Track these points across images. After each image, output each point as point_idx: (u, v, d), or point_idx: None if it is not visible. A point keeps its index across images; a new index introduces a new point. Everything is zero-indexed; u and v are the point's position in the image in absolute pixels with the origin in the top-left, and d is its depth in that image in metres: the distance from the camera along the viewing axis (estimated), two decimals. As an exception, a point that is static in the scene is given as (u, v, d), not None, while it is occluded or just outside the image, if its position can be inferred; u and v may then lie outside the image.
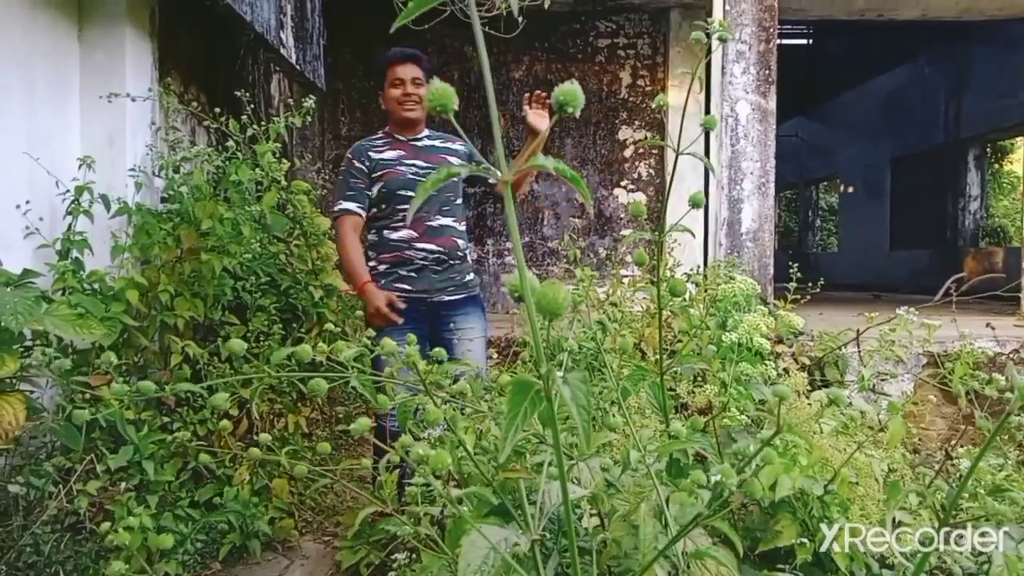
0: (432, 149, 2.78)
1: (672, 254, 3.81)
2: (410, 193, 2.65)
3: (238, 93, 3.36)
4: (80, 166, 2.76)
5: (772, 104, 4.68)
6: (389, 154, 2.71)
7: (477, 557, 0.63)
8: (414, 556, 1.53)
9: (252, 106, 3.33)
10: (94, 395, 2.32)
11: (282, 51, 3.99)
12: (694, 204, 0.83)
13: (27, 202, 2.60)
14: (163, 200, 3.11)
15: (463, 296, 2.73)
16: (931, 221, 10.34)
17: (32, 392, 2.29)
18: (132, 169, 2.95)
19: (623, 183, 6.42)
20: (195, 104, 3.27)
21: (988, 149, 10.14)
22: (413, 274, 2.65)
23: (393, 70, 2.71)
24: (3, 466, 2.29)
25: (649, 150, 6.46)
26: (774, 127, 4.74)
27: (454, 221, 2.72)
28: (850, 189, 13.19)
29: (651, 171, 6.46)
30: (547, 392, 0.44)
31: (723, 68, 4.69)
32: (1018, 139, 10.43)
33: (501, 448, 0.48)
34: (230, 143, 3.12)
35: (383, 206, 2.68)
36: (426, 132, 2.80)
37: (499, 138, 0.49)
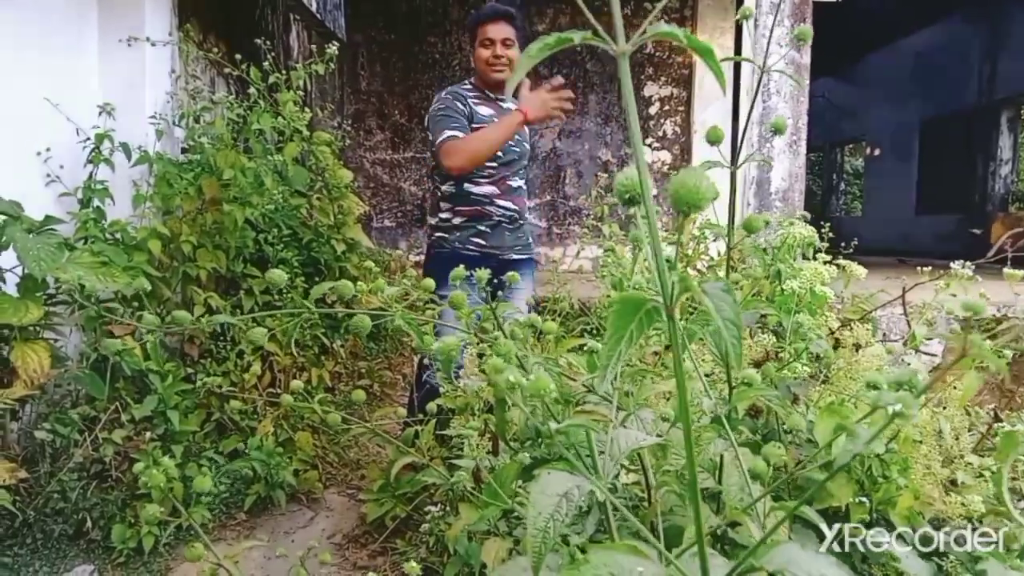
0: None
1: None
2: (496, 152, 2.58)
3: (258, 42, 3.26)
4: (100, 113, 2.70)
5: (806, 59, 4.52)
6: (484, 110, 2.61)
7: (548, 504, 0.58)
8: (448, 508, 1.50)
9: (272, 54, 3.23)
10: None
11: (302, -2, 3.88)
12: (776, 129, 0.76)
13: (47, 149, 2.54)
14: (184, 150, 3.04)
15: (525, 257, 2.77)
16: (959, 185, 10.08)
17: (56, 340, 2.27)
18: (152, 117, 2.88)
19: (647, 141, 6.27)
20: (215, 51, 3.19)
21: (1022, 111, 9.83)
22: (489, 230, 2.64)
23: (483, 29, 2.57)
24: (29, 413, 2.29)
25: (675, 108, 6.30)
26: (807, 83, 4.59)
27: (523, 184, 2.76)
28: (876, 152, 12.87)
29: (676, 129, 6.31)
30: (670, 310, 0.38)
31: (755, 20, 4.52)
32: (1054, 102, 10.08)
33: (599, 376, 0.42)
34: (251, 90, 3.04)
35: None
36: (510, 98, 2.69)
37: (617, 9, 0.42)
